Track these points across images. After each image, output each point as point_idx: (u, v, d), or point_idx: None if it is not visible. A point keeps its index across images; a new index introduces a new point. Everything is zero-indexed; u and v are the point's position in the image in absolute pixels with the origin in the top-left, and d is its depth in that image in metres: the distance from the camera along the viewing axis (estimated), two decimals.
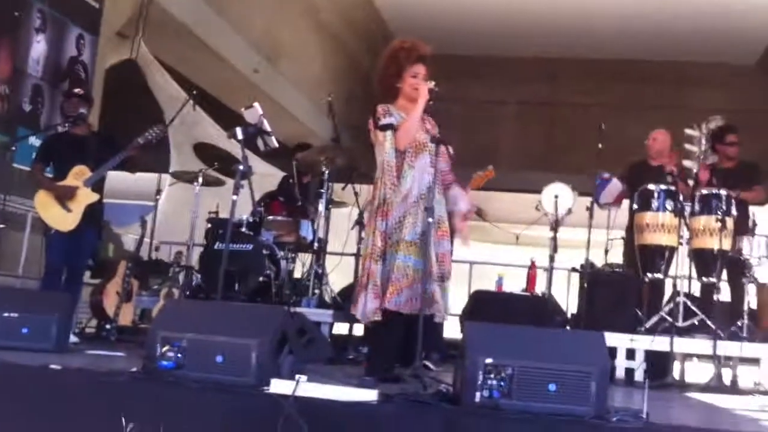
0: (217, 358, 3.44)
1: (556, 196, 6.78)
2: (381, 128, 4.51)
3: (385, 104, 4.56)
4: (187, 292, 6.64)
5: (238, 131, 4.93)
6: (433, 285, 4.37)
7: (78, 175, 5.67)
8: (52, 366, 3.56)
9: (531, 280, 6.89)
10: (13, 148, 6.28)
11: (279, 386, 3.20)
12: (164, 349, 3.49)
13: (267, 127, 5.75)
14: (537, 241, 8.36)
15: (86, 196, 5.66)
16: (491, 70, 14.91)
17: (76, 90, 6.08)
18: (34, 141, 6.61)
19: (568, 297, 7.21)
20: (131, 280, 6.25)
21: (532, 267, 6.95)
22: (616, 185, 6.78)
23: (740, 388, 6.15)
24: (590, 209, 6.63)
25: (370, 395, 3.22)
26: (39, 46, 7.28)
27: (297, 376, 3.19)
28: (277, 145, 6.06)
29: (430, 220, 4.26)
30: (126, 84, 9.10)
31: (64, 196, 5.62)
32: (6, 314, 4.51)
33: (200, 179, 6.98)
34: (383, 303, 4.32)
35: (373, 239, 4.47)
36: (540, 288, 6.88)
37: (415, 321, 4.12)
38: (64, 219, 5.62)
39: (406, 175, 4.46)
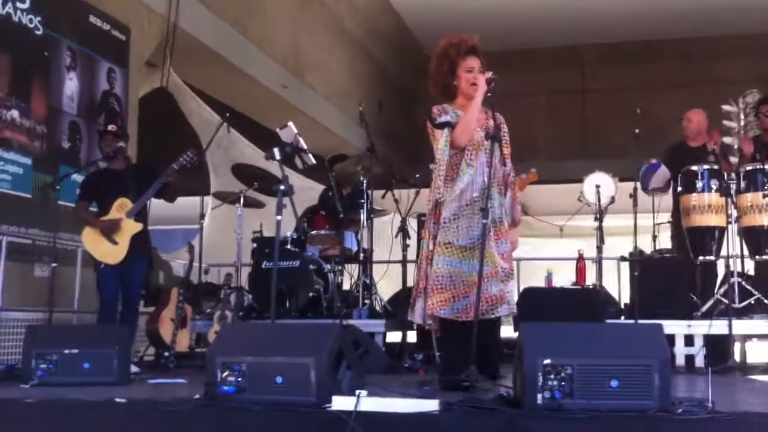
0: (277, 379, 3.45)
1: (598, 186, 6.73)
2: (438, 126, 4.38)
3: (440, 105, 4.45)
4: (240, 313, 6.71)
5: (276, 152, 4.96)
6: (499, 284, 4.27)
7: (120, 208, 5.78)
8: (118, 399, 3.61)
9: (580, 272, 6.84)
10: (58, 187, 6.39)
11: (341, 403, 3.21)
12: (224, 374, 3.52)
13: (303, 145, 5.79)
14: (581, 231, 8.31)
15: (131, 227, 5.77)
16: (518, 64, 14.83)
17: (110, 127, 6.18)
18: (77, 177, 6.73)
19: (619, 286, 7.14)
20: (185, 306, 6.33)
21: (580, 259, 6.89)
22: (665, 171, 6.69)
23: None
24: (634, 195, 6.56)
25: (431, 405, 3.22)
26: (71, 84, 7.41)
27: (357, 392, 3.20)
28: (314, 162, 6.10)
29: (485, 221, 4.10)
30: (160, 112, 9.20)
31: (110, 230, 5.73)
32: (66, 351, 4.59)
33: (242, 200, 7.07)
34: (438, 310, 4.26)
35: (427, 242, 4.41)
36: (590, 280, 6.82)
37: (487, 326, 4.07)
38: (112, 252, 5.73)
39: (464, 173, 4.33)
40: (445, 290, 4.26)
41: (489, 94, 4.33)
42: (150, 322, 6.39)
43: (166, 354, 6.13)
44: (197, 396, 3.58)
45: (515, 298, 4.44)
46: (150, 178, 5.83)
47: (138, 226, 5.79)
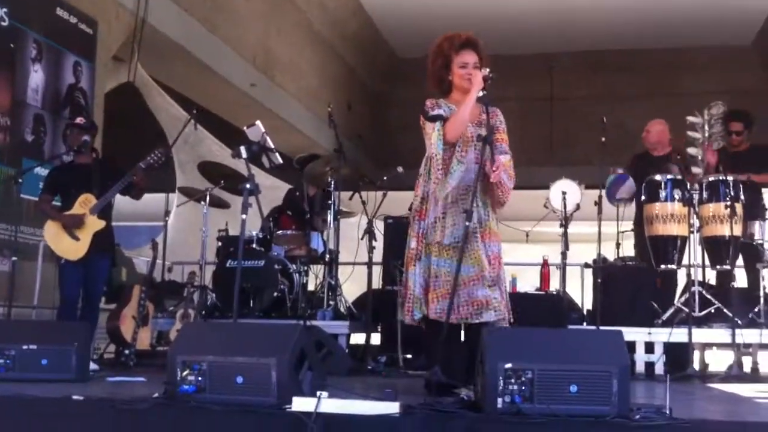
0: (237, 380, 3.43)
1: (564, 193, 6.77)
2: (430, 119, 4.27)
3: (434, 99, 4.35)
4: (203, 312, 6.66)
5: (243, 150, 4.91)
6: (485, 290, 4.13)
7: (84, 204, 5.70)
8: (75, 396, 3.56)
9: (544, 278, 6.88)
10: (20, 180, 6.30)
11: (301, 404, 3.19)
12: (184, 373, 3.49)
13: (270, 144, 5.74)
14: (547, 237, 8.34)
15: (93, 224, 5.69)
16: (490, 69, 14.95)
17: (78, 120, 6.10)
18: (40, 171, 6.65)
19: (582, 293, 7.19)
20: (146, 304, 6.27)
21: (545, 265, 6.93)
22: (631, 183, 6.72)
23: (761, 375, 6.14)
24: (599, 203, 6.63)
25: (392, 407, 3.21)
26: (37, 76, 7.31)
27: (318, 393, 3.18)
28: (281, 161, 6.07)
29: (468, 223, 4.04)
30: (126, 108, 9.12)
31: (72, 225, 5.65)
32: (25, 347, 4.52)
33: (207, 198, 7.02)
34: (428, 312, 4.15)
35: (409, 241, 4.32)
36: (554, 285, 6.87)
37: (473, 331, 4.01)
38: (73, 248, 5.65)
39: (455, 170, 4.21)
40: (435, 289, 4.17)
41: (485, 92, 4.23)
42: (111, 320, 6.31)
43: (127, 352, 6.06)
44: (156, 395, 3.54)
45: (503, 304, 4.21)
46: (116, 174, 5.76)
47: (101, 224, 5.71)
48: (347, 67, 14.98)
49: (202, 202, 7.09)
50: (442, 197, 4.20)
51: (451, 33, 4.41)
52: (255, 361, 3.44)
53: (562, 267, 6.74)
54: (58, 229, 5.67)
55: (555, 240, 7.07)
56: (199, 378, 3.46)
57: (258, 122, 5.76)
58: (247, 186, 4.64)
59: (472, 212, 4.10)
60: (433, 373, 3.92)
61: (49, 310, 6.45)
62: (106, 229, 5.77)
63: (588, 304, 6.85)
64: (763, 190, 6.75)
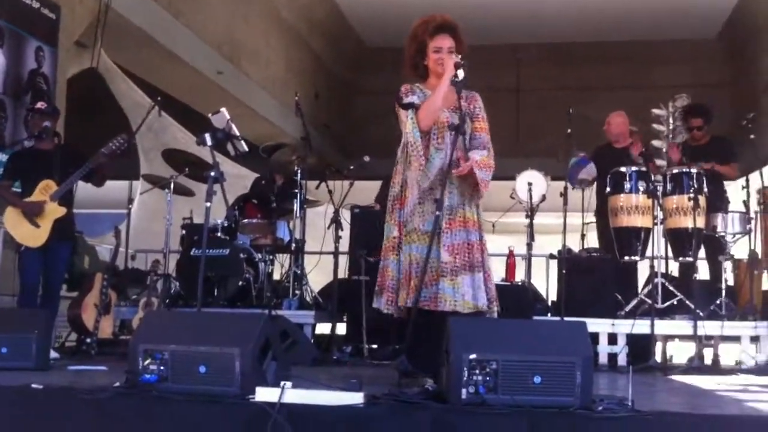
0: (200, 369, 3.39)
1: (530, 184, 6.80)
2: (403, 107, 4.21)
3: (410, 84, 4.30)
4: (166, 301, 6.59)
5: (207, 137, 4.85)
6: (441, 281, 4.08)
7: (45, 190, 5.62)
8: (34, 385, 3.51)
9: (510, 268, 6.91)
10: None
11: (265, 394, 3.17)
12: (146, 362, 3.45)
13: (235, 131, 5.69)
14: (513, 228, 8.38)
15: (54, 211, 5.61)
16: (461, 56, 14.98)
17: (39, 105, 6.00)
18: (0, 156, 6.52)
19: (547, 283, 7.24)
20: (109, 292, 6.19)
21: (510, 256, 6.97)
22: (593, 167, 6.83)
23: (722, 367, 6.21)
24: (564, 194, 6.66)
25: (356, 398, 3.20)
26: None
27: (282, 383, 3.16)
28: (247, 149, 6.01)
29: (438, 213, 4.01)
30: (89, 94, 8.98)
31: (32, 212, 5.57)
32: None
33: (172, 186, 6.94)
34: (407, 298, 4.08)
35: (390, 229, 4.24)
36: (519, 276, 6.91)
37: (438, 319, 3.93)
38: (33, 235, 5.57)
39: (434, 157, 4.16)
40: (413, 278, 4.11)
41: (457, 79, 4.14)
42: (72, 308, 6.23)
43: (88, 340, 5.99)
44: (118, 384, 3.50)
45: (471, 292, 4.14)
46: (78, 161, 5.68)
47: (61, 211, 5.64)
48: (314, 55, 14.91)
49: (166, 190, 7.00)
50: (425, 185, 4.15)
51: (428, 16, 4.35)
52: (218, 351, 3.40)
53: (528, 258, 6.79)
54: (18, 216, 5.59)
55: (520, 231, 7.10)
56: (162, 367, 3.43)
57: (223, 109, 5.70)
58: (212, 174, 4.59)
59: (442, 202, 4.06)
60: (400, 362, 3.90)
61: (10, 297, 6.34)
62: (66, 215, 5.70)
63: (553, 295, 6.89)
64: (726, 183, 6.84)
